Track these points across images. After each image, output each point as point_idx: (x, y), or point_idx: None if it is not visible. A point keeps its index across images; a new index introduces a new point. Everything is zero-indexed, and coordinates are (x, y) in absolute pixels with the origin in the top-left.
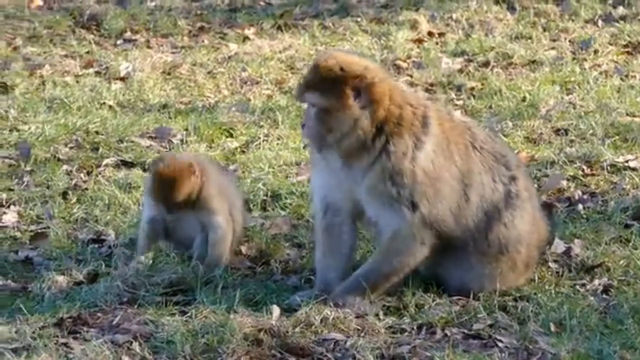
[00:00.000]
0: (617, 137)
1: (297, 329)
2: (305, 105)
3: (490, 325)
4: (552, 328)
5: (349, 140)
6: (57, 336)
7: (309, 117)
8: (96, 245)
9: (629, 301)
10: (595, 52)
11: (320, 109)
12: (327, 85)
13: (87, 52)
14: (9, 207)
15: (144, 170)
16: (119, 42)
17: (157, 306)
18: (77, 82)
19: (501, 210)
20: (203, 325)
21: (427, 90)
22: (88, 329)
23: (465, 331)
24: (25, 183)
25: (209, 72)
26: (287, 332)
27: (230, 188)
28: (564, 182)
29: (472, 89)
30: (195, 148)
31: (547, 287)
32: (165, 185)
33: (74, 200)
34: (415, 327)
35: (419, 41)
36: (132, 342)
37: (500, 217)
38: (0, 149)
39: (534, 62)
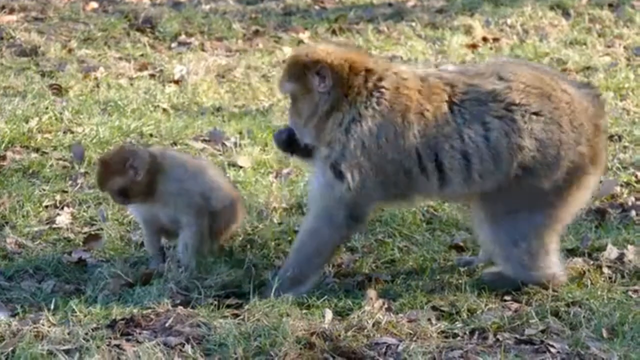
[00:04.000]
0: None
1: (349, 333)
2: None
3: (543, 331)
4: (605, 334)
5: (312, 122)
6: (110, 338)
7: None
8: None
9: None
10: None
11: (293, 97)
12: (296, 73)
13: (142, 55)
14: (62, 208)
15: None
16: (173, 45)
17: (210, 309)
18: (131, 84)
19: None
20: (255, 328)
21: None
22: (141, 331)
23: (518, 336)
24: (79, 185)
25: (263, 76)
26: (339, 335)
27: (214, 189)
28: (618, 188)
29: None
30: (248, 151)
31: (599, 292)
32: (96, 173)
33: None
34: (467, 332)
35: (474, 46)
36: (184, 345)
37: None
38: (54, 151)
39: (588, 68)
